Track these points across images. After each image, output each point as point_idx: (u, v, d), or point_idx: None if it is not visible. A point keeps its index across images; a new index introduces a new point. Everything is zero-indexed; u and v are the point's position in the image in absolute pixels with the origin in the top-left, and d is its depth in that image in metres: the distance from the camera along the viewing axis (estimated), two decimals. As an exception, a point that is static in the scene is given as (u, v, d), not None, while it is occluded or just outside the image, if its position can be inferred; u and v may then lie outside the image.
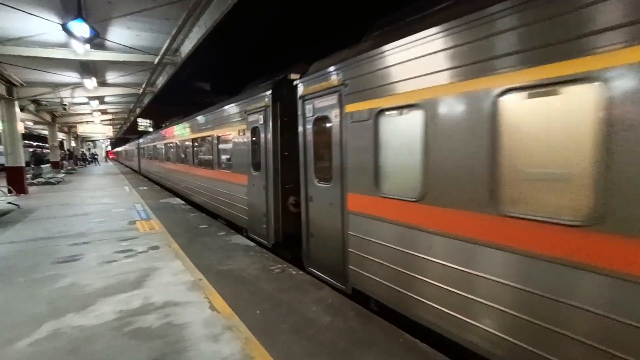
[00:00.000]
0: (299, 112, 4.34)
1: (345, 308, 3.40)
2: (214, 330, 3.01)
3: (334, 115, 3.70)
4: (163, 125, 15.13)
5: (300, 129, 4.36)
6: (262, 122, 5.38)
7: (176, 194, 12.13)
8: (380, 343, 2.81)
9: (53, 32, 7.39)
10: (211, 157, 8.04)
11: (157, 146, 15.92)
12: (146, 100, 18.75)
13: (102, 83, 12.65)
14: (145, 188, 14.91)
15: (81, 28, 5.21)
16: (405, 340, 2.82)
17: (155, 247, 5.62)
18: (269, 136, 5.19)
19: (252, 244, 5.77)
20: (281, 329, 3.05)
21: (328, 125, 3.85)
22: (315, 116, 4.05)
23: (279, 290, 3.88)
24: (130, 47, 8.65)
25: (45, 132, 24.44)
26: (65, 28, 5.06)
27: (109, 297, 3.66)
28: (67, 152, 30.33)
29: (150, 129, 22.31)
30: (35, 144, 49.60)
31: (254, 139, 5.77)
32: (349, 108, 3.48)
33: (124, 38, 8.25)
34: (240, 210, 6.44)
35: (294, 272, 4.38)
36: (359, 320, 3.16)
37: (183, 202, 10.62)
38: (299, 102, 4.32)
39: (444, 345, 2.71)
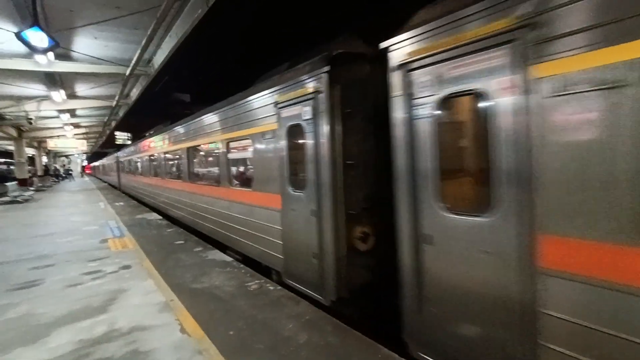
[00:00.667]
0: (396, 93, 2.72)
1: (323, 323, 3.28)
2: (183, 355, 2.82)
3: (504, 86, 2.06)
4: (147, 134, 13.04)
5: (397, 120, 2.70)
6: (307, 116, 3.64)
7: (174, 219, 9.39)
8: (358, 358, 2.70)
9: (12, 42, 7.03)
10: (218, 170, 6.15)
11: (140, 159, 13.31)
12: (121, 113, 18.19)
13: (72, 95, 12.15)
14: (121, 203, 14.30)
15: (38, 37, 4.92)
16: (383, 354, 2.73)
17: (127, 267, 5.32)
18: (323, 137, 3.45)
19: (230, 259, 5.56)
20: (254, 349, 2.89)
21: (480, 106, 2.27)
22: (442, 94, 2.42)
23: (255, 307, 3.72)
24: (99, 58, 8.35)
25: (12, 148, 23.18)
26: (19, 37, 4.76)
27: (68, 326, 3.38)
28: (45, 168, 29.05)
29: (129, 142, 21.52)
30: (2, 160, 46.96)
31: (292, 142, 4.04)
32: (552, 68, 1.82)
33: (92, 49, 7.95)
34: (268, 245, 4.49)
35: (271, 288, 4.23)
36: (336, 335, 3.05)
37: (160, 217, 10.21)
38: (396, 75, 2.70)
39: None
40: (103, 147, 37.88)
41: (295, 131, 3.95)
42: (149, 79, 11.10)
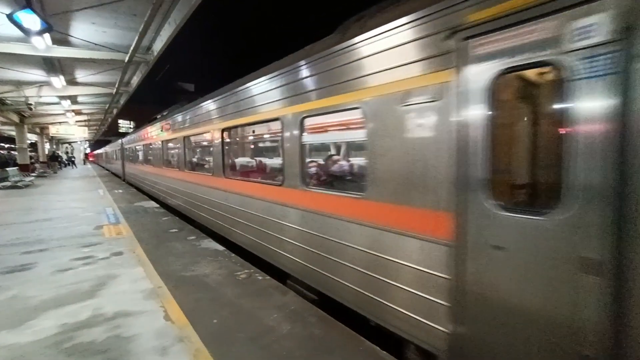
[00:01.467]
0: None
1: (308, 314, 3.26)
2: (165, 342, 2.81)
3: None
4: (159, 116, 10.83)
5: None
6: (592, 40, 1.67)
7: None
8: (340, 350, 2.68)
9: (9, 25, 6.97)
10: (281, 162, 4.02)
11: (152, 146, 11.07)
12: (122, 101, 18.14)
13: (71, 82, 12.09)
14: (120, 191, 14.35)
15: (31, 19, 4.83)
16: (365, 348, 2.71)
17: (119, 253, 5.33)
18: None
19: (222, 248, 5.55)
20: (237, 338, 2.88)
21: None
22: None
23: (242, 296, 3.71)
24: (97, 44, 8.26)
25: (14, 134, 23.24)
26: (11, 18, 4.68)
27: (54, 310, 3.39)
28: (50, 154, 29.36)
29: (131, 129, 21.34)
30: (7, 146, 47.23)
31: (506, 108, 2.19)
32: None
33: (89, 34, 7.86)
34: (406, 301, 2.54)
35: (260, 277, 4.22)
36: (320, 326, 3.03)
37: (157, 206, 10.23)
38: None
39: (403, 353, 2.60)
40: (105, 134, 37.93)
41: (517, 85, 2.17)
42: (149, 66, 11.01)
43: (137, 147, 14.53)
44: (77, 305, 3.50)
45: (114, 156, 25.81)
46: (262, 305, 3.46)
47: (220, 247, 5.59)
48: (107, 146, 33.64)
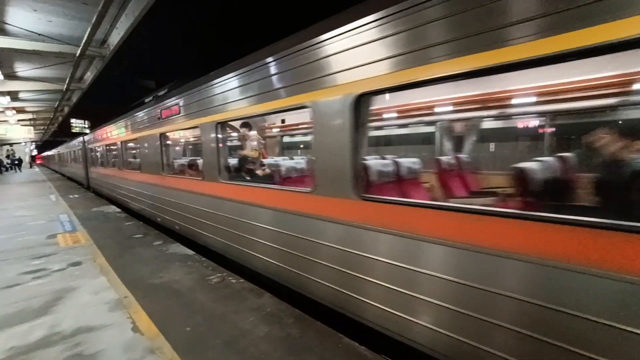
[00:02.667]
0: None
1: (284, 315, 3.23)
2: (134, 355, 2.65)
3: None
4: (151, 99, 7.73)
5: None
6: None
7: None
8: (318, 348, 2.69)
9: None
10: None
11: (145, 144, 7.31)
12: (75, 98, 16.70)
13: (11, 75, 10.87)
14: (76, 196, 13.23)
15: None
16: (344, 344, 2.74)
17: (77, 263, 4.92)
18: None
19: (191, 252, 5.33)
20: (212, 344, 2.79)
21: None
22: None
23: (215, 300, 3.59)
24: (41, 35, 7.49)
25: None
26: None
27: None
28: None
29: (87, 131, 19.41)
30: None
31: None
32: None
33: (31, 23, 7.11)
34: None
35: (233, 281, 4.11)
36: (297, 326, 3.02)
37: (118, 210, 9.57)
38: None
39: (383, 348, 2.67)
40: (56, 135, 34.72)
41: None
42: (105, 61, 10.23)
43: (111, 147, 10.81)
44: (27, 324, 3.18)
45: (72, 158, 21.02)
46: (236, 309, 3.37)
47: (190, 252, 5.37)
48: (62, 146, 27.63)
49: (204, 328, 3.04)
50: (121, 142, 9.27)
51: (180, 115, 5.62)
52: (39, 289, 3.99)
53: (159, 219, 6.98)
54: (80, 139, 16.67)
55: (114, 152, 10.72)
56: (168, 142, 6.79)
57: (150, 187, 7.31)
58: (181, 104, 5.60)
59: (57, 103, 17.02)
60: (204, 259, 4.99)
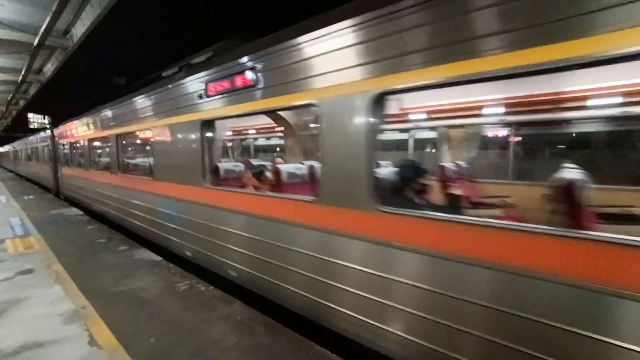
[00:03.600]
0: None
1: (255, 323, 3.16)
2: (89, 372, 2.47)
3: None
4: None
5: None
6: None
7: None
8: (289, 357, 2.65)
9: None
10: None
11: (160, 139, 5.15)
12: (32, 91, 15.48)
13: (-43, 64, 9.89)
14: (31, 197, 12.24)
15: None
16: (315, 352, 2.72)
17: (28, 271, 4.53)
18: None
19: (159, 258, 5.09)
20: (178, 355, 2.66)
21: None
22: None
23: (184, 309, 3.44)
24: (-6, 21, 6.88)
25: None
26: None
27: None
28: None
29: (48, 126, 17.77)
30: None
31: None
32: None
33: (-19, 8, 6.51)
34: None
35: (203, 288, 3.96)
36: (267, 334, 2.96)
37: (80, 213, 8.96)
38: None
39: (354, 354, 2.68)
40: (9, 130, 31.99)
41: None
42: (67, 53, 9.57)
43: (100, 143, 8.61)
44: (-34, 340, 2.87)
45: (34, 157, 17.12)
46: (205, 318, 3.25)
47: (158, 257, 5.12)
48: (19, 142, 23.41)
49: (170, 338, 2.90)
50: (118, 137, 6.58)
51: (262, 88, 3.28)
52: (-18, 301, 3.62)
53: (233, 272, 3.82)
54: (47, 133, 13.23)
55: (105, 150, 8.09)
56: (215, 134, 4.51)
57: (182, 206, 4.65)
58: (261, 67, 3.27)
59: (11, 95, 15.65)
60: (171, 265, 4.78)
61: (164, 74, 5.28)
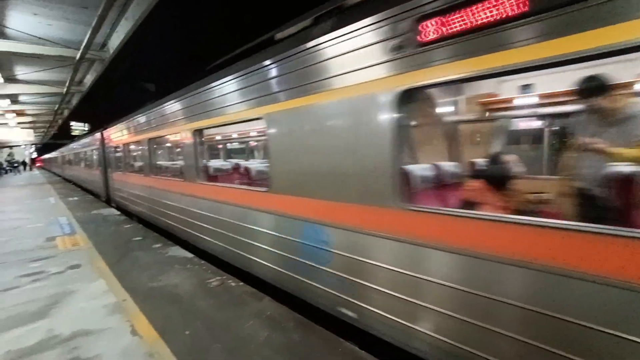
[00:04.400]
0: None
1: (285, 319, 3.20)
2: (133, 359, 2.62)
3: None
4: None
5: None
6: None
7: None
8: (319, 353, 2.66)
9: None
10: None
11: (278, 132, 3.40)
12: (74, 101, 16.71)
13: (11, 79, 10.89)
14: (75, 198, 13.20)
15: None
16: (344, 348, 2.71)
17: (76, 266, 4.89)
18: None
19: (191, 255, 5.30)
20: (212, 350, 2.75)
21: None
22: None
23: (215, 305, 3.56)
24: (41, 38, 7.51)
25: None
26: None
27: (-3, 335, 3.02)
28: None
29: (86, 129, 19.15)
30: None
31: None
32: None
33: (32, 27, 7.13)
34: None
35: (233, 284, 4.08)
36: (298, 331, 2.99)
37: (118, 213, 9.54)
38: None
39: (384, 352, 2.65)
40: (56, 137, 34.71)
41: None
42: (105, 64, 10.25)
43: (159, 144, 8.13)
44: (24, 328, 3.15)
45: (81, 161, 16.40)
46: (237, 314, 3.34)
47: (190, 255, 5.34)
48: (66, 147, 22.75)
49: (204, 333, 3.01)
50: (196, 133, 4.99)
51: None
52: (37, 293, 3.95)
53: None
54: (95, 135, 12.22)
55: (169, 152, 8.14)
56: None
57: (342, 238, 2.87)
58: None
59: (57, 106, 17.02)
60: (202, 262, 4.96)
61: (278, 36, 3.61)
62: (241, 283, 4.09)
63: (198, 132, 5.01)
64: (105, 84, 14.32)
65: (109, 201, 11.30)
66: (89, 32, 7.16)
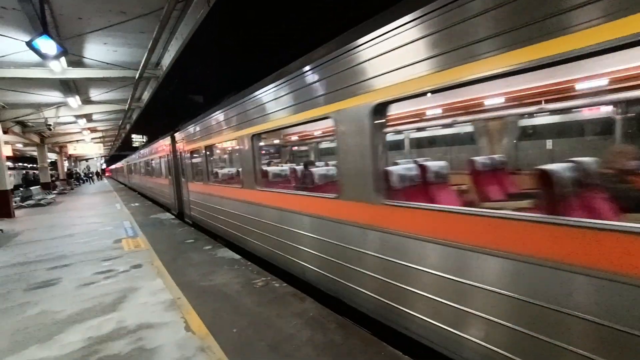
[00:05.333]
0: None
1: (327, 320, 3.24)
2: (187, 352, 2.84)
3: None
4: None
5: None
6: None
7: None
8: (361, 356, 2.65)
9: (27, 52, 7.32)
10: None
11: None
12: (134, 116, 18.67)
13: (86, 101, 12.54)
14: (136, 204, 14.71)
15: (48, 45, 5.07)
16: (387, 353, 2.66)
17: (138, 266, 5.44)
18: None
19: (238, 257, 5.60)
20: (257, 347, 2.88)
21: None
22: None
23: (260, 304, 3.71)
24: (109, 63, 8.56)
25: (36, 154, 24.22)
26: (30, 45, 4.93)
27: (79, 324, 3.48)
28: (68, 172, 30.42)
29: (144, 143, 21.41)
30: (29, 165, 49.46)
31: None
32: None
33: (102, 54, 8.16)
34: None
35: (277, 285, 4.22)
36: (340, 332, 3.00)
37: (172, 217, 10.42)
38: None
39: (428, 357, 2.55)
40: (120, 149, 39.10)
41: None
42: (159, 81, 11.31)
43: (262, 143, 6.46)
44: (100, 318, 3.58)
45: (148, 170, 14.83)
46: (280, 313, 3.46)
47: (237, 256, 5.64)
48: (132, 156, 21.40)
49: (250, 331, 3.16)
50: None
51: None
52: (109, 288, 4.48)
53: None
54: (165, 140, 10.56)
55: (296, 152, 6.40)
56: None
57: None
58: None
59: (121, 121, 19.20)
60: (249, 263, 5.21)
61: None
62: (284, 284, 4.22)
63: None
64: (160, 98, 15.77)
65: (181, 216, 9.79)
66: (146, 54, 7.98)
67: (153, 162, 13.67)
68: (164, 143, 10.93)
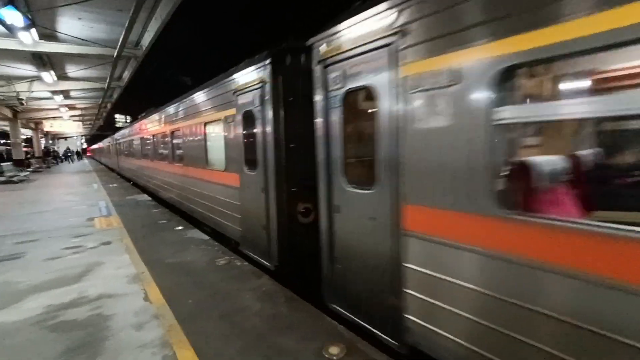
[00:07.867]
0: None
1: (278, 295, 3.50)
2: (141, 319, 3.05)
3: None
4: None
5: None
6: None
7: None
8: (302, 326, 2.92)
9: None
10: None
11: None
12: (115, 95, 18.18)
13: (63, 77, 12.16)
14: (114, 185, 14.52)
15: (13, 16, 4.96)
16: (325, 324, 2.95)
17: (107, 243, 5.55)
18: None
19: (207, 237, 5.78)
20: (210, 315, 3.12)
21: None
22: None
23: (221, 280, 3.94)
24: (85, 40, 8.35)
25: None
26: (-6, 16, 4.83)
27: (41, 293, 3.62)
28: (45, 150, 29.38)
29: (127, 123, 20.93)
30: (2, 141, 47.28)
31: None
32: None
33: (77, 30, 7.96)
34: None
35: (238, 263, 4.45)
36: (287, 305, 3.27)
37: (149, 198, 10.43)
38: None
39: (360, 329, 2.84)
40: (101, 129, 37.89)
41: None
42: (138, 61, 11.09)
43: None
44: (63, 289, 3.73)
45: (137, 151, 12.11)
46: (237, 288, 3.69)
47: (205, 237, 5.82)
48: (120, 133, 18.50)
49: (206, 302, 3.38)
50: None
51: None
52: (75, 262, 4.60)
53: None
54: (170, 107, 7.59)
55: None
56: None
57: None
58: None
59: (101, 100, 18.65)
60: (216, 243, 5.41)
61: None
62: (245, 263, 4.45)
63: None
64: (141, 78, 15.41)
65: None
66: (123, 32, 7.84)
67: (142, 141, 10.18)
68: (172, 110, 7.34)
